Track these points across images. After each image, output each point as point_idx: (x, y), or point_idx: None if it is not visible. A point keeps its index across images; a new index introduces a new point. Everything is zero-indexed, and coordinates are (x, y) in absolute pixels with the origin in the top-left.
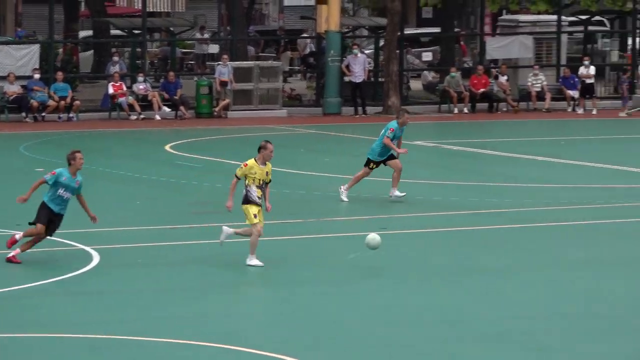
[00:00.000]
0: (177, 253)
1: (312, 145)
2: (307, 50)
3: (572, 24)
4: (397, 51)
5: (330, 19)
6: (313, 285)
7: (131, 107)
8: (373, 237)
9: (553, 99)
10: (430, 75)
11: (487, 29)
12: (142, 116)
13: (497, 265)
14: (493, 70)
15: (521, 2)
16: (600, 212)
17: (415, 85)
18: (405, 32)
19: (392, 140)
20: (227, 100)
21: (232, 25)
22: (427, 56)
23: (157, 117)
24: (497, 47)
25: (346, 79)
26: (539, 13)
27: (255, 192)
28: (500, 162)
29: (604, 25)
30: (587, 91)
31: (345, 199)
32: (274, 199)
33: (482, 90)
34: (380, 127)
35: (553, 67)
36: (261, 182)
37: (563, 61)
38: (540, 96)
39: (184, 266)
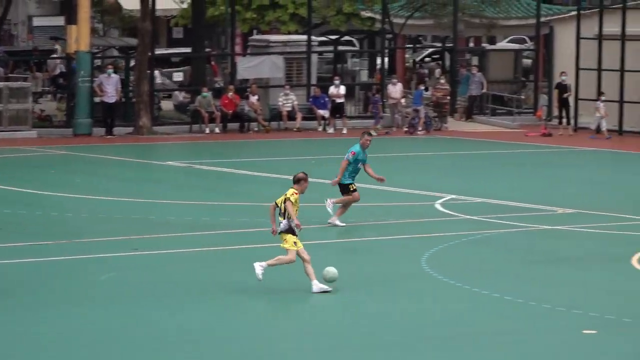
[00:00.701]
0: None
1: (62, 166)
2: (57, 71)
3: (322, 43)
4: (148, 71)
5: (80, 39)
6: (58, 307)
7: None
8: (328, 272)
9: (304, 119)
10: (181, 96)
11: (238, 48)
12: None
13: (251, 284)
14: (244, 90)
15: (272, 22)
16: (353, 231)
17: (167, 105)
18: (156, 52)
19: (357, 164)
20: None
21: None
22: (178, 76)
23: None
24: (247, 67)
25: (97, 99)
26: (289, 33)
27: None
28: (251, 181)
29: (354, 45)
30: (338, 110)
31: (340, 223)
32: (23, 220)
33: (233, 110)
34: (130, 147)
35: (304, 86)
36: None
37: (313, 81)
38: (291, 116)
39: None
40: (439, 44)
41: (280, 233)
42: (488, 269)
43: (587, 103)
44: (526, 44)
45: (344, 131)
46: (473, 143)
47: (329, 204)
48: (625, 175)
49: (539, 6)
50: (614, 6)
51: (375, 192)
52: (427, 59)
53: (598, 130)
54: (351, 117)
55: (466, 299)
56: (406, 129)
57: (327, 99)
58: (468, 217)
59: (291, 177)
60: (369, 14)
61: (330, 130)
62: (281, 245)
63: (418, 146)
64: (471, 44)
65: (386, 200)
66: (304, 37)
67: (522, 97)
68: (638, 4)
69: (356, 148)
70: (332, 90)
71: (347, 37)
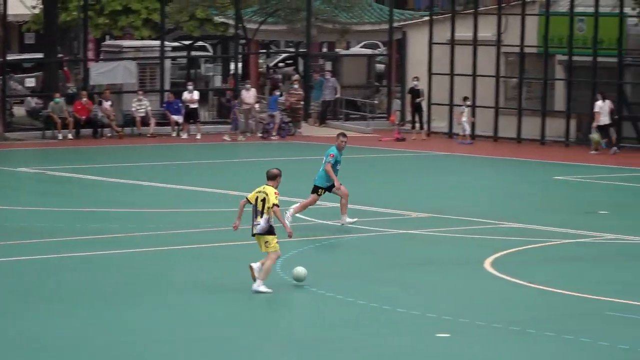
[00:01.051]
0: None
1: None
2: None
3: (175, 49)
4: (0, 77)
5: None
6: None
7: None
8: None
9: (158, 124)
10: (33, 101)
11: (90, 54)
12: None
13: (119, 290)
14: (97, 95)
15: (125, 27)
16: (204, 236)
17: (19, 111)
18: (8, 58)
19: (337, 165)
20: None
21: None
22: (30, 82)
23: None
24: (100, 73)
25: None
26: (142, 38)
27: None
28: (104, 187)
29: (207, 50)
30: (191, 116)
31: (289, 223)
32: None
33: (86, 116)
34: None
35: (157, 92)
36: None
37: (167, 86)
38: (145, 121)
39: None
40: (292, 49)
41: (257, 235)
42: (343, 273)
43: (439, 108)
44: (379, 49)
45: (198, 137)
46: (326, 148)
47: (289, 215)
48: (479, 179)
49: (391, 11)
50: (465, 11)
51: (226, 197)
52: (280, 64)
53: (465, 134)
54: (205, 123)
55: (320, 303)
56: (260, 134)
57: (180, 104)
58: (322, 222)
59: (144, 182)
60: (222, 20)
61: (184, 135)
62: (263, 249)
63: (273, 151)
64: (324, 49)
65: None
66: (157, 42)
67: (376, 102)
68: (489, 10)
69: (333, 150)
70: (185, 95)
71: (200, 43)
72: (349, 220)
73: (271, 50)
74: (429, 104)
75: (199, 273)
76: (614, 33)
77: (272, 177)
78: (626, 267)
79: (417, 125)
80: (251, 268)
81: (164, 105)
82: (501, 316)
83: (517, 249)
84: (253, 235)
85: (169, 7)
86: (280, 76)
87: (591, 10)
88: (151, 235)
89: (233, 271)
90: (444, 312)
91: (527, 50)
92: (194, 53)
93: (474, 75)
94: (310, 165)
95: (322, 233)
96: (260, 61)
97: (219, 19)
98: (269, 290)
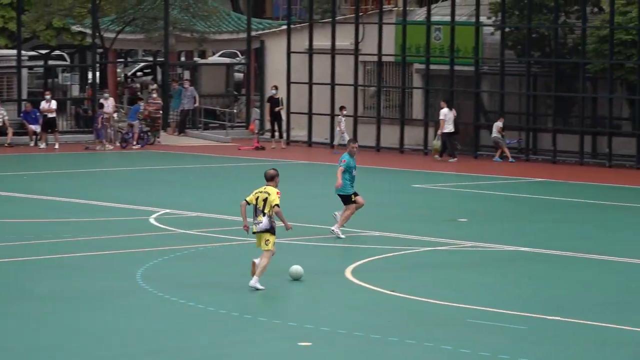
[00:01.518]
0: None
1: None
2: None
3: (32, 58)
4: None
5: None
6: None
7: None
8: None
9: (15, 134)
10: None
11: None
12: None
13: None
14: None
15: None
16: (65, 246)
17: None
18: None
19: (352, 171)
20: None
21: None
22: None
23: None
24: None
25: None
26: None
27: None
28: None
29: (65, 59)
30: (49, 125)
31: (342, 235)
32: None
33: None
34: None
35: (14, 101)
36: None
37: (24, 95)
38: (2, 131)
39: None
40: (150, 59)
41: (258, 232)
42: (204, 282)
43: (299, 116)
44: (238, 58)
45: (56, 146)
46: (186, 157)
47: (338, 232)
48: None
49: (249, 20)
50: (323, 20)
51: (88, 207)
52: (139, 74)
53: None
54: (63, 132)
55: (182, 313)
56: (119, 144)
57: (38, 114)
58: (183, 231)
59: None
60: (79, 29)
61: (42, 145)
62: (263, 247)
63: (131, 161)
64: (183, 58)
65: (100, 215)
66: (14, 51)
67: (235, 111)
68: (347, 19)
69: (345, 156)
70: (43, 105)
71: (57, 52)
72: (339, 232)
73: (129, 60)
74: (288, 113)
75: (60, 282)
76: (470, 42)
77: (271, 178)
78: (487, 273)
79: (277, 134)
80: (254, 264)
81: (22, 114)
82: (363, 324)
83: (378, 257)
84: (253, 232)
85: (26, 16)
86: (138, 85)
87: (448, 19)
88: (11, 246)
89: (82, 280)
90: (305, 320)
91: (385, 59)
92: (51, 62)
93: (333, 84)
94: (168, 175)
95: (183, 242)
96: (118, 70)
97: (76, 28)
98: (262, 287)
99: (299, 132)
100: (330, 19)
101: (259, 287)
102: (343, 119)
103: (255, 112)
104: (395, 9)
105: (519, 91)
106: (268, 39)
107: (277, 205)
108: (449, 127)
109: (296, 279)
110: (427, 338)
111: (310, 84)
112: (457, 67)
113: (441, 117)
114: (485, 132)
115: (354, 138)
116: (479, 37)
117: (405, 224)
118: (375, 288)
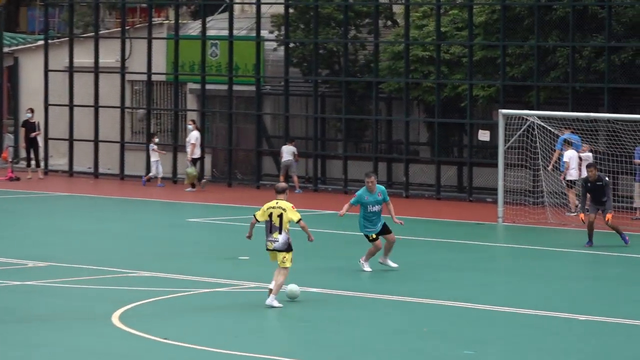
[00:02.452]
0: None
1: None
2: None
3: None
4: None
5: None
6: None
7: None
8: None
9: None
10: None
11: None
12: None
13: None
14: None
15: None
16: None
17: None
18: None
19: (367, 207)
20: None
21: None
22: None
23: None
24: None
25: None
26: None
27: None
28: None
29: None
30: None
31: (368, 269)
32: None
33: None
34: None
35: None
36: None
37: None
38: None
39: None
40: None
41: (275, 251)
42: None
43: (58, 143)
44: None
45: None
46: None
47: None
48: (105, 222)
49: (0, 35)
50: (85, 35)
51: None
52: None
53: (150, 176)
54: None
55: None
56: None
57: None
58: None
59: None
60: None
61: None
62: (280, 264)
63: None
64: None
65: None
66: None
67: None
68: (112, 33)
69: (359, 191)
70: None
71: None
72: (390, 263)
73: None
74: (46, 139)
75: None
76: (251, 59)
77: (282, 191)
78: (267, 317)
79: (33, 162)
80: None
81: None
82: None
83: (148, 300)
84: (268, 250)
85: None
86: None
87: (225, 33)
88: None
89: None
90: None
91: (155, 77)
92: None
93: (97, 106)
94: None
95: None
96: None
97: None
98: (280, 305)
99: (58, 161)
100: (93, 34)
101: (276, 304)
102: (156, 147)
103: (9, 139)
104: (167, 22)
105: (305, 113)
106: (22, 55)
107: (300, 220)
108: (197, 152)
109: (293, 298)
110: None
111: (71, 106)
112: (236, 87)
113: (192, 140)
114: (269, 159)
115: (372, 171)
116: (260, 53)
117: (178, 263)
118: (146, 335)
